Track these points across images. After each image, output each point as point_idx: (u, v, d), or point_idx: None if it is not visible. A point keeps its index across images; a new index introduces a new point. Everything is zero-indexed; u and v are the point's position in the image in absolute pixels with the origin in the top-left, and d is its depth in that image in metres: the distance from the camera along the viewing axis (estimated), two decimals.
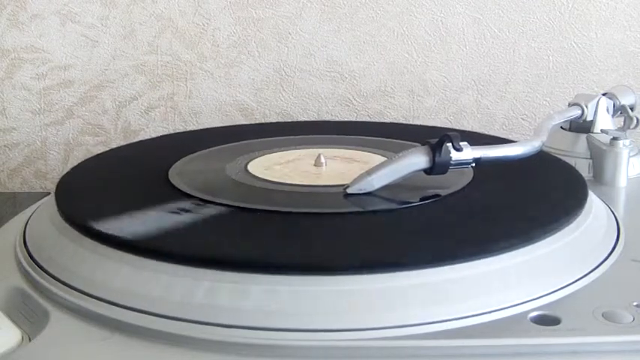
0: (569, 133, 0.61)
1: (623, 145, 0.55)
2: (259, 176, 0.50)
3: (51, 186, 0.78)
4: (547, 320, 0.35)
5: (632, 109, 0.60)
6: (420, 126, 0.75)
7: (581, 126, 0.61)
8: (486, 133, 0.75)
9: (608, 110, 0.60)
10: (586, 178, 0.50)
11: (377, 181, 0.46)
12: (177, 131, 0.78)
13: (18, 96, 0.78)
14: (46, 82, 0.78)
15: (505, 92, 0.79)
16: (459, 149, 0.46)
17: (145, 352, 0.34)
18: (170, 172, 0.51)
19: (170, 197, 0.46)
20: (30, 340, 0.35)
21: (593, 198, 0.48)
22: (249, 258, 0.37)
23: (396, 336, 0.34)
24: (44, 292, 0.39)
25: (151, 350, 0.34)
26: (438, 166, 0.46)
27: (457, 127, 0.76)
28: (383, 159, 0.50)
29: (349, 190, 0.46)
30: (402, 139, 0.59)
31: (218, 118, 0.80)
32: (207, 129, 0.70)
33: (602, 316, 0.35)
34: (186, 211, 0.45)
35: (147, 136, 0.78)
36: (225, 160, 0.54)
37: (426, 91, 0.79)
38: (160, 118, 0.80)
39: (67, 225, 0.43)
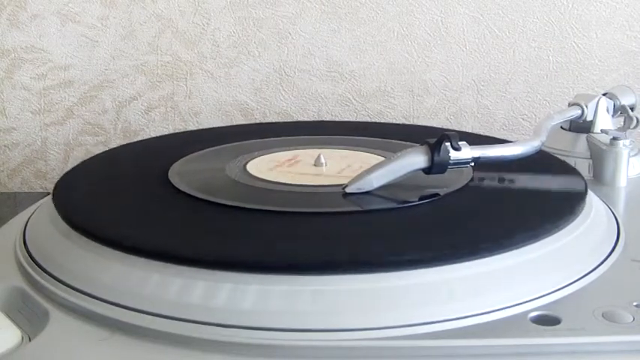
0: (569, 133, 0.61)
1: (623, 145, 0.55)
2: (259, 176, 0.50)
3: (51, 186, 0.78)
4: (547, 320, 0.35)
5: (632, 109, 0.60)
6: (420, 126, 0.75)
7: (581, 126, 0.60)
8: (486, 133, 0.75)
9: (608, 110, 0.60)
10: (586, 178, 0.50)
11: (376, 181, 0.46)
12: (177, 131, 0.78)
13: (18, 96, 0.78)
14: (46, 82, 0.78)
15: (505, 92, 0.79)
16: (457, 149, 0.46)
17: (145, 352, 0.34)
18: (170, 172, 0.51)
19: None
20: (30, 340, 0.35)
21: (593, 198, 0.48)
22: (249, 258, 0.37)
23: (396, 336, 0.34)
24: (44, 292, 0.39)
25: (150, 350, 0.34)
26: (436, 166, 0.46)
27: (457, 128, 0.76)
28: (383, 159, 0.50)
29: (348, 190, 0.46)
30: (402, 139, 0.59)
31: (218, 118, 0.80)
32: (207, 129, 0.70)
33: (602, 316, 0.35)
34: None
35: (147, 136, 0.78)
36: (225, 160, 0.54)
37: (426, 91, 0.79)
38: (159, 118, 0.80)
39: (66, 225, 0.43)
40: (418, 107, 0.79)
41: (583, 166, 0.57)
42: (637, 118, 0.59)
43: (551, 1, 0.77)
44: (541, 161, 0.52)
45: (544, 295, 0.37)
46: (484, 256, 0.38)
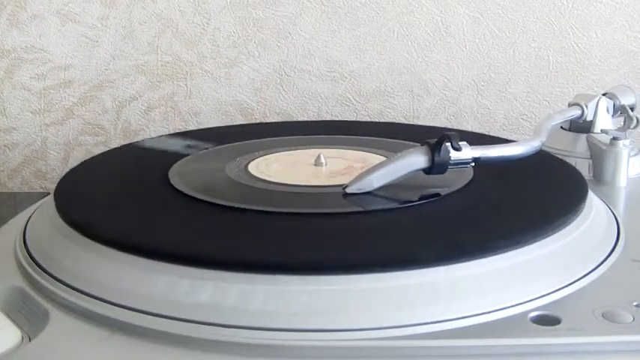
0: (569, 133, 0.61)
1: (623, 145, 0.55)
2: (259, 176, 0.50)
3: (51, 186, 0.78)
4: (547, 320, 0.35)
5: (632, 109, 0.60)
6: (420, 126, 0.75)
7: (581, 126, 0.60)
8: (486, 133, 0.75)
9: (608, 110, 0.60)
10: (586, 178, 0.50)
11: (376, 181, 0.46)
12: (177, 131, 0.78)
13: (18, 96, 0.78)
14: (46, 82, 0.78)
15: (505, 92, 0.79)
16: (457, 149, 0.46)
17: (145, 352, 0.34)
18: (170, 172, 0.51)
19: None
20: (30, 340, 0.35)
21: (593, 198, 0.48)
22: (250, 258, 0.37)
23: (396, 336, 0.34)
24: (44, 292, 0.39)
25: (150, 350, 0.34)
26: (437, 166, 0.46)
27: (457, 128, 0.76)
28: (383, 159, 0.50)
29: (348, 190, 0.46)
30: (402, 139, 0.59)
31: (218, 118, 0.80)
32: (207, 129, 0.70)
33: (602, 316, 0.35)
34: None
35: (147, 136, 0.78)
36: (225, 160, 0.54)
37: (426, 91, 0.79)
38: (159, 118, 0.80)
39: (66, 225, 0.43)
40: (418, 107, 0.79)
41: (583, 166, 0.57)
42: (637, 118, 0.59)
43: (551, 1, 0.77)
44: (541, 161, 0.52)
45: (544, 295, 0.37)
46: (484, 256, 0.38)
